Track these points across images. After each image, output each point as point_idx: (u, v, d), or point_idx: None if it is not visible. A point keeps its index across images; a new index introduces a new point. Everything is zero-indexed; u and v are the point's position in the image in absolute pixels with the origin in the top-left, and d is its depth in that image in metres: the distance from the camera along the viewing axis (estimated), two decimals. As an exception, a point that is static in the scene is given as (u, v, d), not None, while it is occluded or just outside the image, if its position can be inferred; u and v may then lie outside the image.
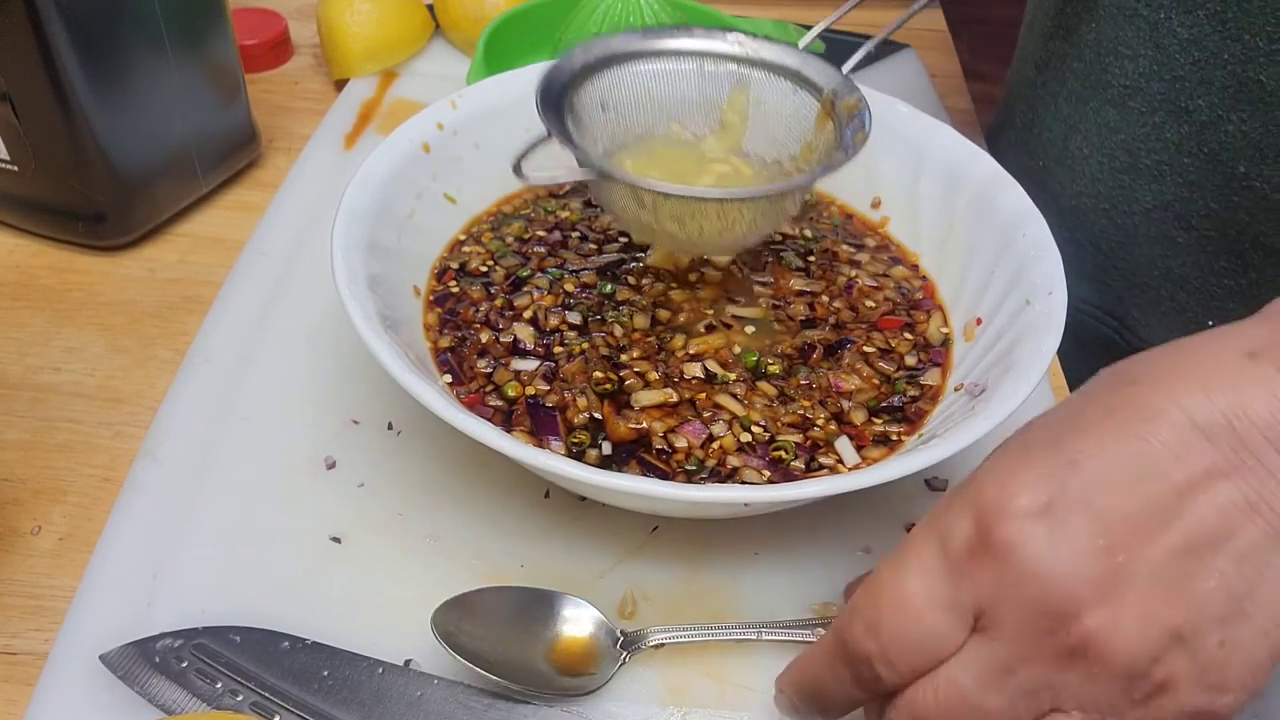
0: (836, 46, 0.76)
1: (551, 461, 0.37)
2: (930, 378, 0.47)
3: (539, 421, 0.44)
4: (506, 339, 0.47)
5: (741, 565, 0.44)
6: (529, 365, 0.46)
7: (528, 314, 0.49)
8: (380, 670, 0.38)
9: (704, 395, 0.45)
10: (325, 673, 0.38)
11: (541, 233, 0.53)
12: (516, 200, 0.55)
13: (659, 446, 0.43)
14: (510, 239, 0.53)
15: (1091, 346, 0.59)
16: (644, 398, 0.45)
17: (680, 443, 0.43)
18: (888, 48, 0.79)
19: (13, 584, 0.43)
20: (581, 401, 0.45)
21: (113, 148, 0.56)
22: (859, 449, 0.44)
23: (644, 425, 0.44)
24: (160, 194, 0.60)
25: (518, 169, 0.41)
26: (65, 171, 0.56)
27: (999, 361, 0.43)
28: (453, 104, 0.53)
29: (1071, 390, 0.53)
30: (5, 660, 0.40)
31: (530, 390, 0.45)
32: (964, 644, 0.31)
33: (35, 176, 0.56)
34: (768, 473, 0.43)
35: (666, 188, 0.42)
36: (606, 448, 0.43)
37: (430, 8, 0.76)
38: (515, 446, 0.37)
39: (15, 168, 0.56)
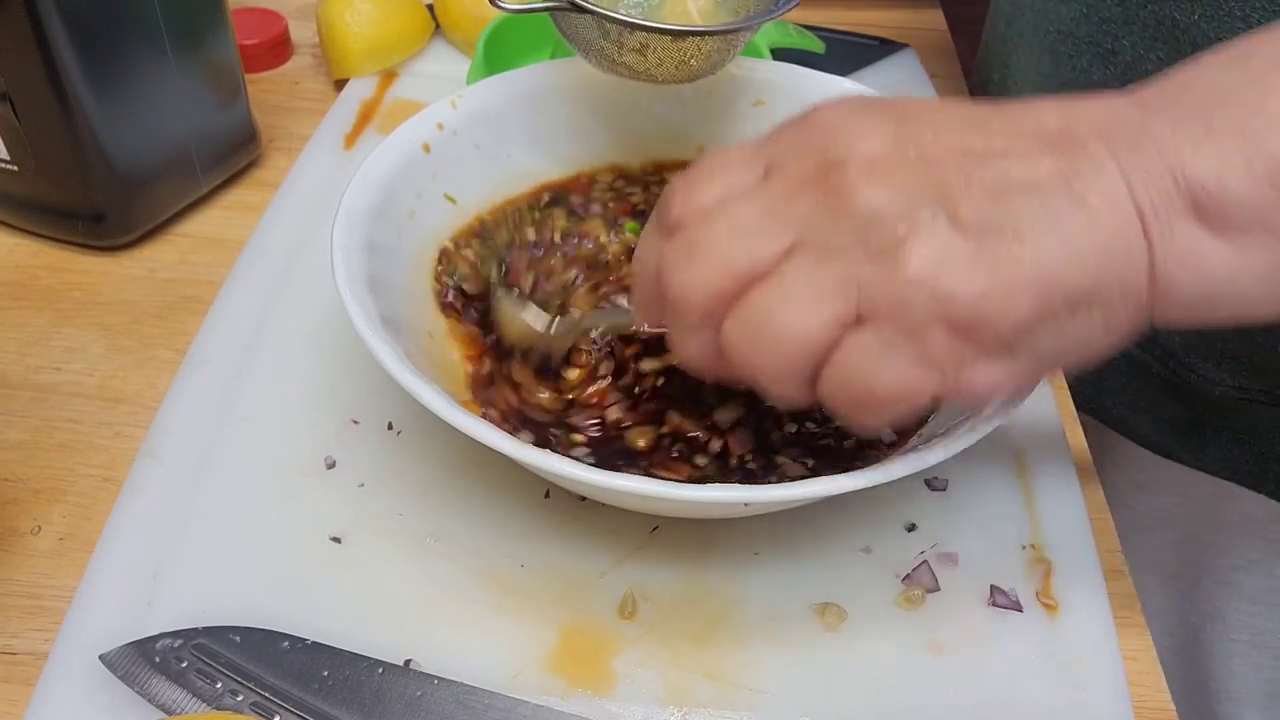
0: (837, 46, 0.76)
1: (551, 461, 0.37)
2: None
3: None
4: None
5: (741, 565, 0.44)
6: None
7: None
8: (380, 670, 0.38)
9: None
10: (325, 673, 0.38)
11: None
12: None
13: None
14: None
15: None
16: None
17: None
18: (888, 48, 0.79)
19: (13, 584, 0.43)
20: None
21: (113, 148, 0.55)
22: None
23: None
24: (160, 194, 0.60)
25: None
26: (65, 171, 0.56)
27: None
28: (453, 104, 0.53)
29: (1072, 390, 0.53)
30: (5, 660, 0.40)
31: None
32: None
33: (35, 176, 0.56)
34: (811, 461, 0.43)
35: (634, 20, 0.45)
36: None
37: (430, 8, 0.76)
38: (515, 446, 0.37)
39: (15, 168, 0.56)
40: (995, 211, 0.30)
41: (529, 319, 0.47)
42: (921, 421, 0.45)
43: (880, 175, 0.31)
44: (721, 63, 0.50)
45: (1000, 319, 0.30)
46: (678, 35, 0.46)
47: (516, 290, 0.51)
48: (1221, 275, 0.30)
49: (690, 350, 0.35)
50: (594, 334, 0.49)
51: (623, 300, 0.52)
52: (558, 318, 0.48)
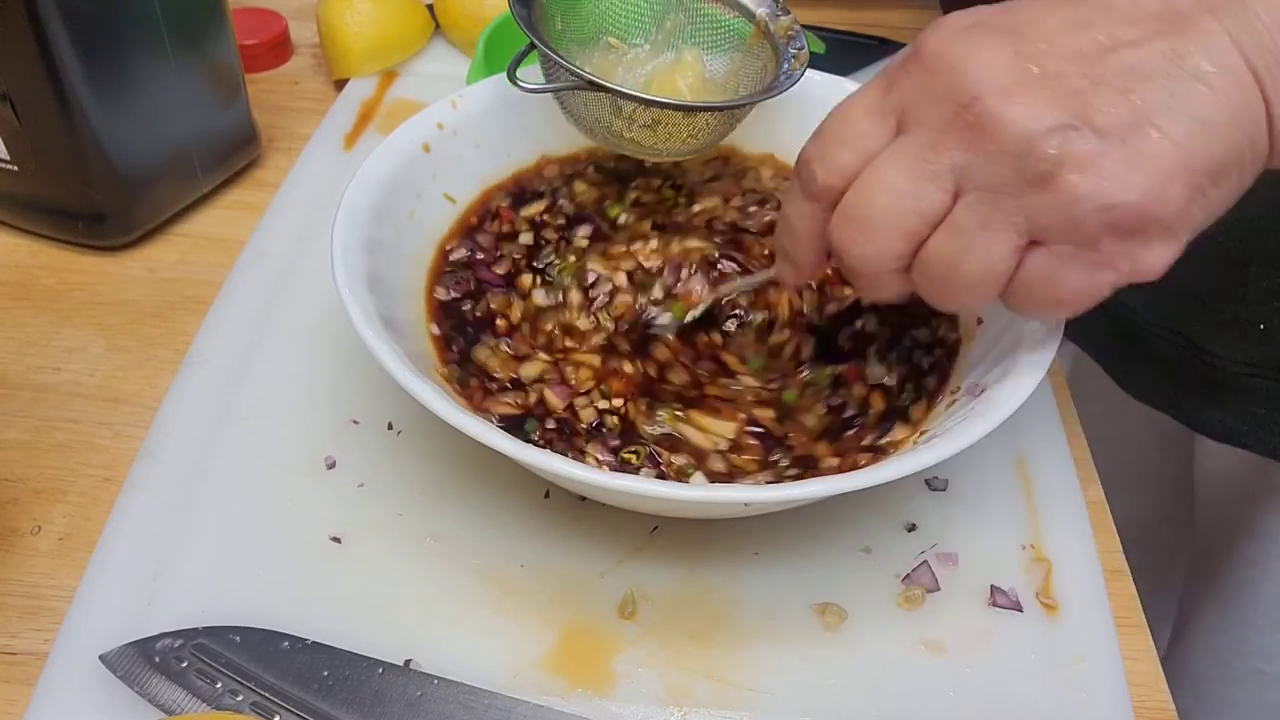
0: (837, 46, 0.76)
1: (551, 461, 0.37)
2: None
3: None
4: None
5: (741, 565, 0.44)
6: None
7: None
8: (380, 670, 0.38)
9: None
10: (325, 673, 0.38)
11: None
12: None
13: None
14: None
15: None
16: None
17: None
18: (887, 48, 0.79)
19: (13, 584, 0.43)
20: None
21: (113, 148, 0.55)
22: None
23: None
24: (160, 194, 0.60)
25: (513, 76, 0.47)
26: (65, 171, 0.56)
27: (999, 362, 0.43)
28: (453, 104, 0.53)
29: (1072, 391, 0.53)
30: (5, 660, 0.40)
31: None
32: (888, 144, 0.35)
33: (35, 176, 0.56)
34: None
35: (654, 98, 0.47)
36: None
37: (430, 8, 0.76)
38: (515, 446, 0.37)
39: (15, 168, 0.56)
40: (1128, 108, 0.32)
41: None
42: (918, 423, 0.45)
43: (1015, 101, 0.32)
44: (721, 136, 0.51)
45: (1161, 211, 0.32)
46: (689, 111, 0.48)
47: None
48: None
49: (882, 297, 0.39)
50: (733, 296, 0.50)
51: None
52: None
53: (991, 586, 0.43)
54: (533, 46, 0.47)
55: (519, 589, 0.42)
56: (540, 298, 0.50)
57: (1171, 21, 0.32)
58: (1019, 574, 0.44)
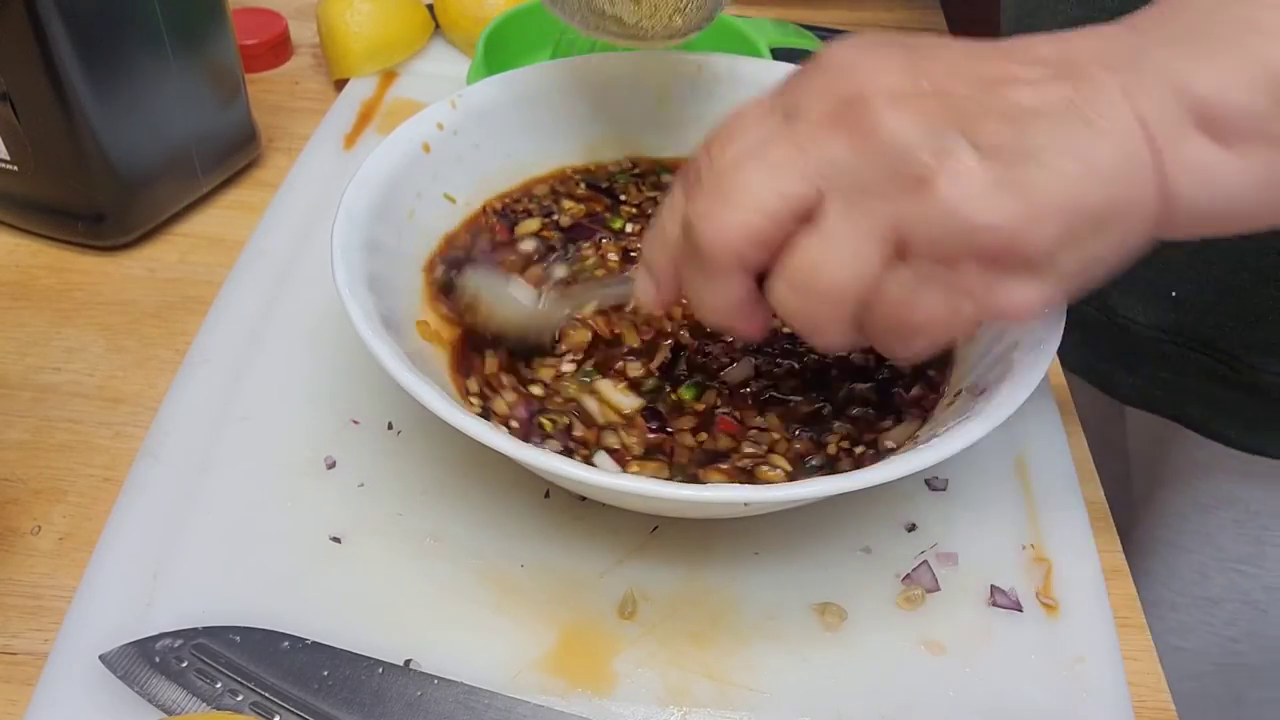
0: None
1: (551, 461, 0.37)
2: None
3: None
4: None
5: (741, 565, 0.44)
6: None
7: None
8: (380, 670, 0.38)
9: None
10: (325, 673, 0.38)
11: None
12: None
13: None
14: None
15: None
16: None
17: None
18: (888, 48, 0.79)
19: (13, 584, 0.43)
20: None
21: (113, 148, 0.56)
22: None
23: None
24: (160, 194, 0.60)
25: None
26: (65, 171, 0.56)
27: (999, 362, 0.43)
28: (453, 104, 0.53)
29: (1072, 391, 0.53)
30: (5, 660, 0.40)
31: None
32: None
33: (35, 176, 0.56)
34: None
35: None
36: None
37: (430, 8, 0.77)
38: (515, 447, 0.37)
39: (15, 168, 0.56)
40: (1014, 137, 0.31)
41: (515, 295, 0.45)
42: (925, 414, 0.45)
43: (901, 107, 0.31)
44: (709, 17, 0.49)
45: (1028, 245, 0.31)
46: None
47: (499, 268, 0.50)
48: (1227, 184, 0.31)
49: (716, 301, 0.36)
50: (589, 309, 0.48)
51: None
52: (546, 293, 0.46)
53: (991, 586, 0.43)
54: None
55: (519, 589, 0.42)
56: (561, 270, 0.50)
57: (1069, 70, 0.32)
58: (1019, 574, 0.44)
